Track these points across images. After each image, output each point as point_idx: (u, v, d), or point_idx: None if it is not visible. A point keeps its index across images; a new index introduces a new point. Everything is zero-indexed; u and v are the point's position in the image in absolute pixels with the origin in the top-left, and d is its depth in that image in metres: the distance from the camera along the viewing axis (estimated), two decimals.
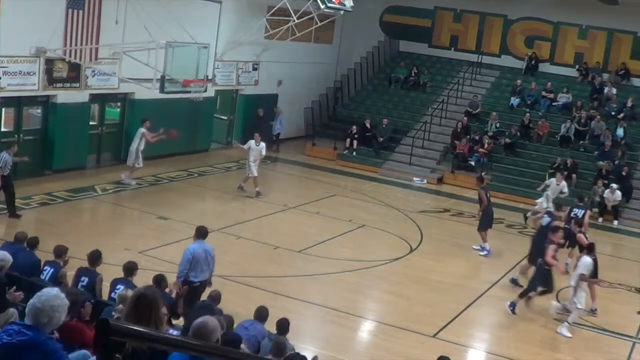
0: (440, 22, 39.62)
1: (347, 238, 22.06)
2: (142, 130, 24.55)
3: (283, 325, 11.60)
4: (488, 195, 22.06)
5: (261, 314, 11.96)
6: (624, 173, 29.25)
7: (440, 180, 31.50)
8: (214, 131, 32.29)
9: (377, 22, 40.23)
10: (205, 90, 27.42)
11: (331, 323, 15.93)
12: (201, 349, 5.12)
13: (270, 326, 11.90)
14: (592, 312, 17.81)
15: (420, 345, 15.00)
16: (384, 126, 33.60)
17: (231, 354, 5.65)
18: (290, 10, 29.77)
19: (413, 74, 37.58)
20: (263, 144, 25.50)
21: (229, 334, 9.23)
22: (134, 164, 24.53)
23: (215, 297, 12.37)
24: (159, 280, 12.50)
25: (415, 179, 31.05)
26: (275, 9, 30.28)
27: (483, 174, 30.40)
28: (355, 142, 33.06)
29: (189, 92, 25.00)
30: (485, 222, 21.88)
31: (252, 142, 25.30)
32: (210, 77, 29.20)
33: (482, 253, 21.69)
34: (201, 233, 14.36)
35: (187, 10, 26.83)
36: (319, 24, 31.93)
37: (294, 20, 30.28)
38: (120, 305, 10.15)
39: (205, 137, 31.51)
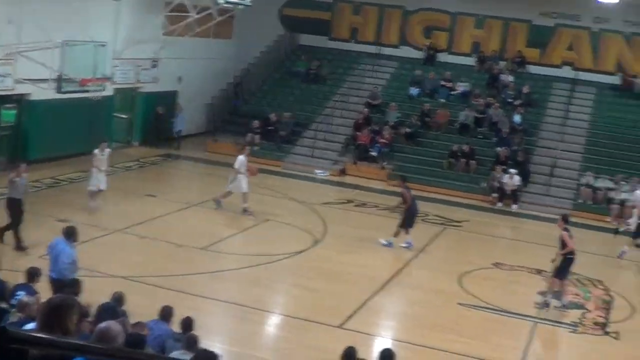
0: (340, 15, 39.82)
1: (251, 233, 22.11)
2: None
3: (187, 324, 11.57)
4: (411, 193, 22.03)
5: (166, 314, 11.89)
6: (519, 158, 29.98)
7: (342, 172, 31.71)
8: (114, 130, 31.81)
9: (277, 16, 40.19)
10: (104, 89, 27.08)
11: (238, 319, 15.95)
12: (105, 352, 5.11)
13: (177, 325, 11.87)
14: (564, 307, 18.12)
15: (328, 336, 15.12)
16: (285, 120, 33.65)
17: (136, 355, 5.65)
18: (189, 6, 29.61)
19: (313, 67, 37.71)
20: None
21: (133, 335, 9.18)
22: None
23: (119, 299, 12.22)
24: (72, 284, 12.36)
25: (317, 171, 31.21)
26: (173, 5, 30.06)
27: (384, 164, 30.92)
28: (257, 136, 33.04)
29: (87, 91, 24.66)
30: (408, 220, 21.85)
31: (242, 157, 23.99)
32: (108, 76, 28.82)
33: (383, 242, 21.78)
34: (63, 232, 14.30)
35: (83, 8, 26.42)
36: (218, 19, 31.85)
37: (193, 16, 30.13)
38: (17, 311, 10.02)
39: (105, 136, 30.90)
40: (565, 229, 18.01)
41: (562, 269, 17.99)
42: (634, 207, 24.62)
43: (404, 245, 21.76)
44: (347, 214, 25.65)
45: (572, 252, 17.83)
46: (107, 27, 28.74)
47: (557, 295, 18.21)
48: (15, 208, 18.33)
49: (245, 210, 23.64)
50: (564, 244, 17.84)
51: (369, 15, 39.39)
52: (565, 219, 18.52)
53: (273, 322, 16.63)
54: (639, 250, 22.96)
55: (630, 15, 35.31)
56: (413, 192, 25.96)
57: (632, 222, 23.93)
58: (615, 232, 24.80)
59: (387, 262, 20.71)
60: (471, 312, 17.46)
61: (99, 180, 22.58)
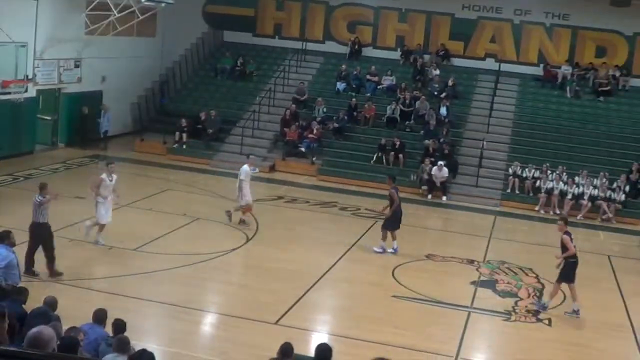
0: (263, 11, 39.75)
1: (182, 232, 21.86)
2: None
3: (119, 326, 11.34)
4: (398, 194, 21.63)
5: (99, 316, 11.66)
6: (446, 151, 30.24)
7: (272, 168, 31.63)
8: (38, 132, 31.20)
9: (200, 13, 39.94)
10: (26, 91, 26.53)
11: (173, 319, 15.75)
12: (38, 357, 4.96)
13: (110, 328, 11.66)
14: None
15: (264, 333, 15.02)
16: (212, 117, 33.39)
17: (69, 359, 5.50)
18: (111, 5, 29.19)
19: (239, 64, 37.50)
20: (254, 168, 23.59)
21: (66, 339, 8.97)
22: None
23: (51, 303, 11.93)
24: (18, 292, 12.04)
25: None
26: (94, 3, 29.63)
27: (314, 159, 30.91)
28: (184, 135, 32.76)
29: (9, 93, 24.15)
30: (394, 222, 21.43)
31: (246, 167, 23.17)
32: (30, 77, 28.27)
33: (377, 250, 21.28)
34: None
35: (2, 8, 25.81)
36: (141, 18, 31.50)
37: (115, 15, 29.74)
38: None
39: (29, 138, 30.35)
40: (566, 232, 17.55)
41: (567, 273, 17.56)
42: None
43: (377, 250, 21.25)
44: (278, 210, 25.58)
45: (574, 256, 17.46)
46: (27, 27, 28.12)
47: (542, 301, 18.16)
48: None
49: (242, 221, 23.05)
50: (564, 248, 17.49)
51: (293, 11, 39.39)
52: (565, 222, 17.95)
53: (208, 321, 16.46)
54: None
55: (550, 6, 35.95)
56: (342, 186, 26.07)
57: None
58: None
59: (320, 257, 20.61)
60: (406, 304, 17.53)
61: (103, 211, 19.77)
